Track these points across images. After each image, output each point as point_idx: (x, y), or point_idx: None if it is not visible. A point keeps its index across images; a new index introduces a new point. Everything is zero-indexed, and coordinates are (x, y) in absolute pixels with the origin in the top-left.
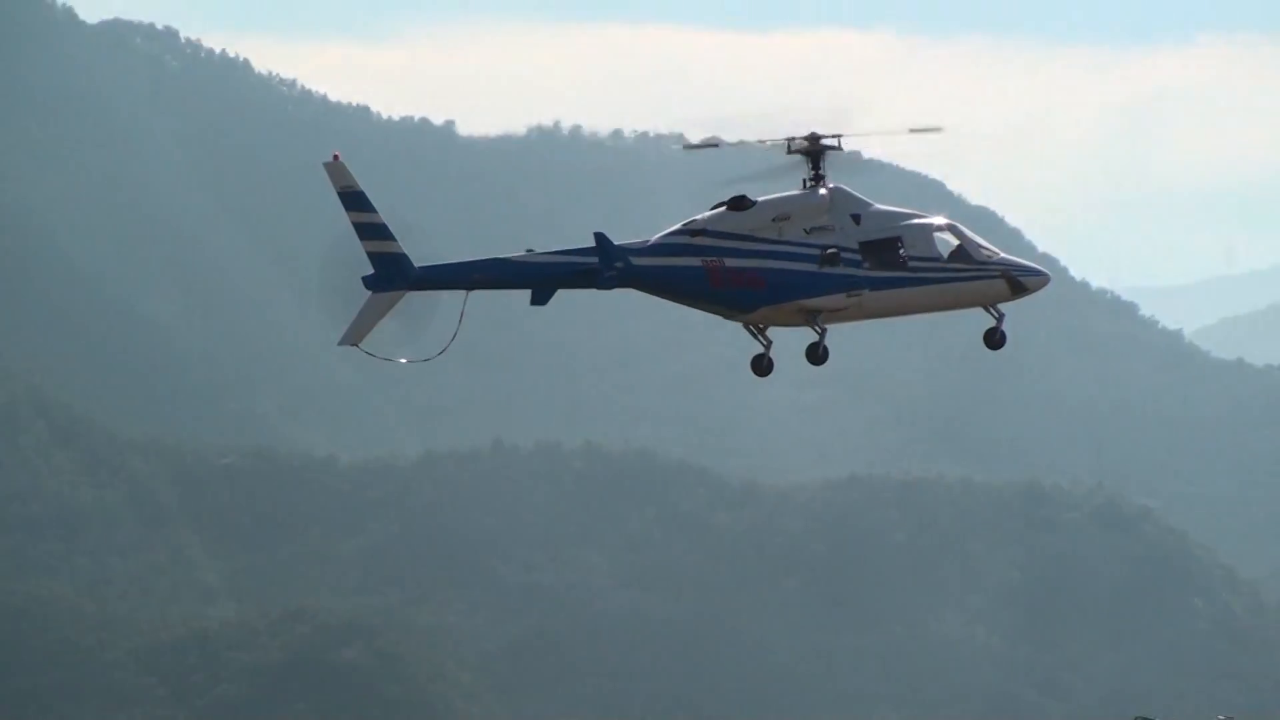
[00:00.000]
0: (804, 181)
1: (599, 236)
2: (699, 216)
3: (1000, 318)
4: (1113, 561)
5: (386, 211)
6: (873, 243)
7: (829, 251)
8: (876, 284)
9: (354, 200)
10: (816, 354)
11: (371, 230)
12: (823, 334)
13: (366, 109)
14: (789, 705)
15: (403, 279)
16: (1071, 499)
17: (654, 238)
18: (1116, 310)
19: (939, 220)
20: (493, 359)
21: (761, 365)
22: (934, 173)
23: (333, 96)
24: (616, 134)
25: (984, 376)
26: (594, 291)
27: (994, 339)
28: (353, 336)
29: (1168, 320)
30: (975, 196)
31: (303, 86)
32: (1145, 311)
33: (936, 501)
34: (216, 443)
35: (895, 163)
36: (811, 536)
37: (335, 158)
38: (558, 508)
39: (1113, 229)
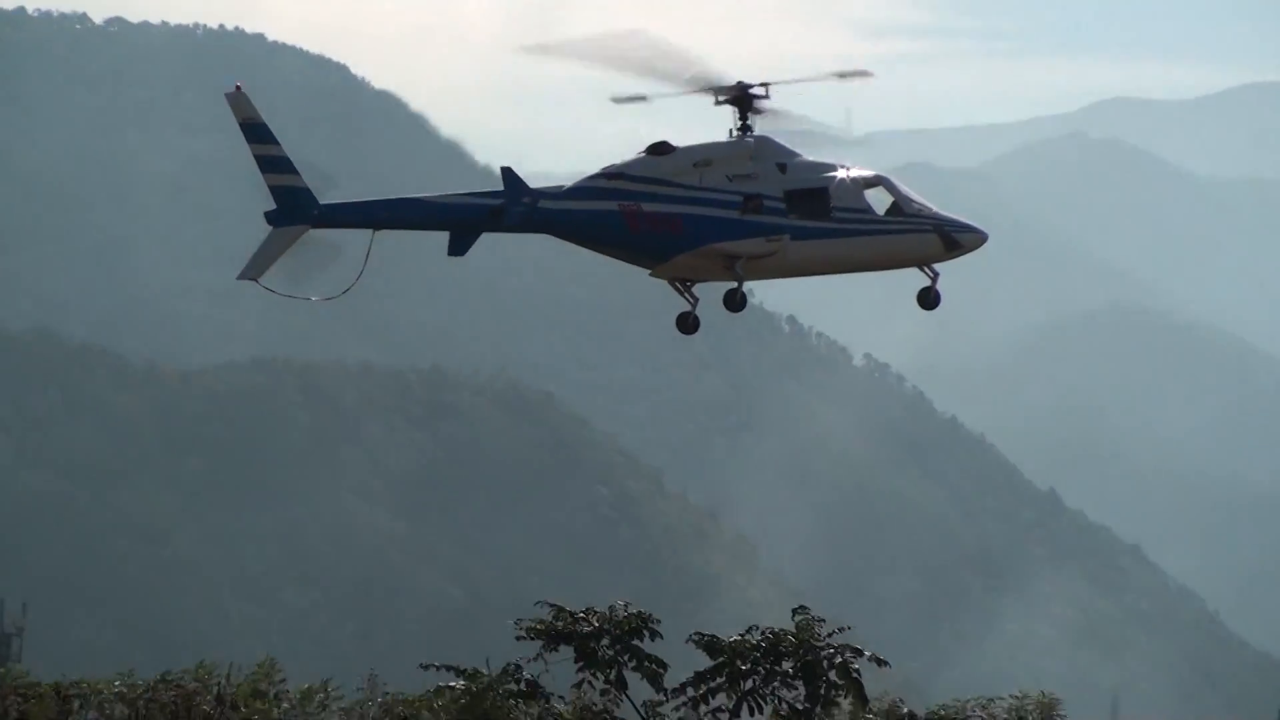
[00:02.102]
0: (730, 131)
1: (506, 172)
2: (618, 162)
3: (935, 276)
4: (514, 447)
5: None
6: (798, 191)
7: (751, 197)
8: (799, 233)
9: (256, 132)
10: (734, 300)
11: (273, 164)
12: (741, 281)
13: None
14: (188, 587)
15: (305, 215)
16: (474, 384)
17: (569, 184)
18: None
19: (869, 173)
20: None
21: (687, 323)
22: (338, 57)
23: None
24: (20, 10)
25: (388, 262)
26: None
27: (928, 299)
28: (252, 271)
29: None
30: (378, 82)
31: None
32: None
33: (338, 385)
34: None
35: (298, 45)
36: (213, 419)
37: (238, 88)
38: None
39: (521, 117)
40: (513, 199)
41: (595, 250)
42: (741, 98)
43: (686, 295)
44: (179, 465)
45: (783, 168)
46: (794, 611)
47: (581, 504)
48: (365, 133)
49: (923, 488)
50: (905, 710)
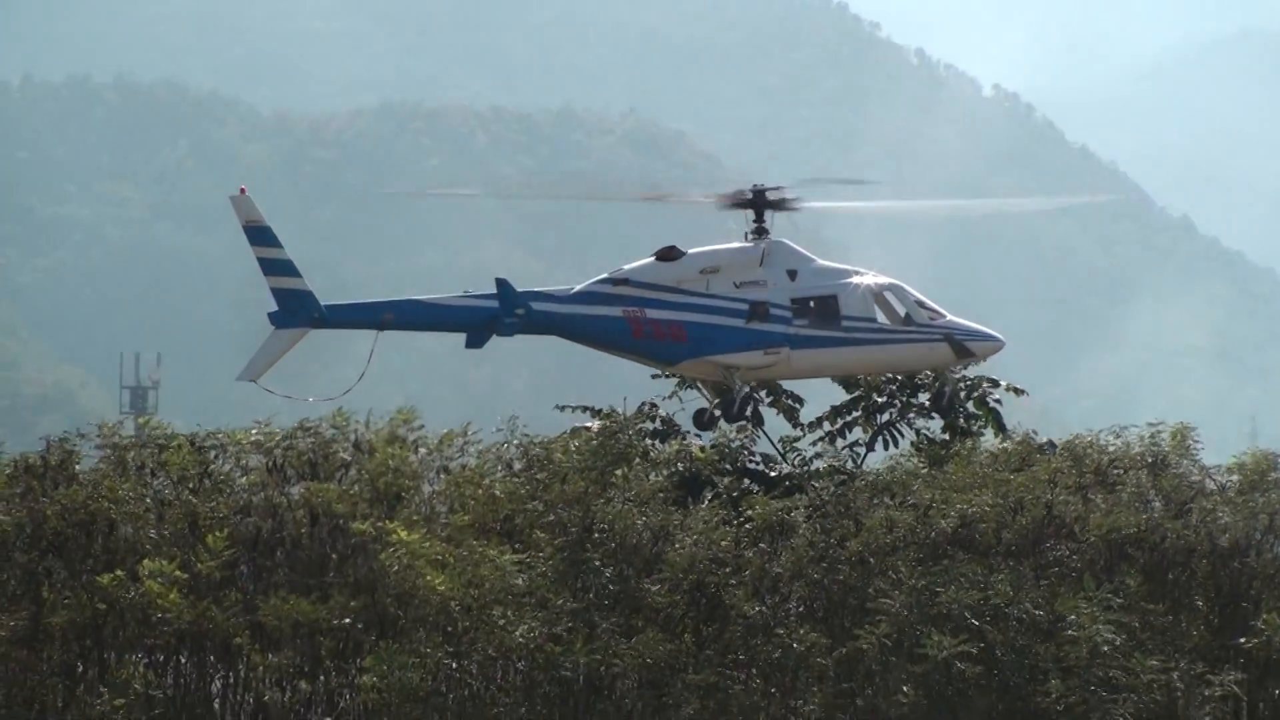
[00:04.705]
0: (745, 235)
1: (499, 282)
2: (625, 266)
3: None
4: (645, 185)
5: None
6: (805, 299)
7: (757, 305)
8: (801, 342)
9: (260, 235)
10: (702, 420)
11: (276, 267)
12: (738, 390)
13: None
14: (323, 334)
15: (307, 317)
16: (604, 123)
17: (577, 286)
18: None
19: (883, 280)
20: None
21: (703, 420)
22: None
23: None
24: None
25: (513, 2)
26: None
27: (940, 403)
28: (252, 372)
29: None
30: None
31: None
32: None
33: (468, 128)
34: None
35: None
36: (342, 166)
37: (242, 191)
38: (89, 141)
39: None
40: (505, 310)
41: (603, 351)
42: (759, 201)
43: (706, 393)
44: (310, 214)
45: (793, 274)
46: None
47: (715, 238)
48: None
49: (1053, 217)
50: (1043, 439)
